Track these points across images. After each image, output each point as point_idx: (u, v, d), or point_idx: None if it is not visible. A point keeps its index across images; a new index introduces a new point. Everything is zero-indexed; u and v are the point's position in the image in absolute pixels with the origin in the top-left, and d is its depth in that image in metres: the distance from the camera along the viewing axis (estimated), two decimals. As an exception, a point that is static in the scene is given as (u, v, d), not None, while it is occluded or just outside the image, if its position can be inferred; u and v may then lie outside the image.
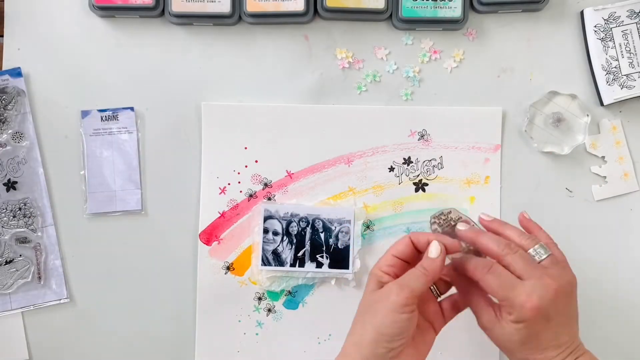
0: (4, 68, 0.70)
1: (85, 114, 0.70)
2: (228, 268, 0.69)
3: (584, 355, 0.53)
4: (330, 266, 0.68)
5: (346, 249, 0.68)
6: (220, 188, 0.69)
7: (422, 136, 0.70)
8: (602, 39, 0.68)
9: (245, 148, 0.70)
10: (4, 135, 0.69)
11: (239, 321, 0.69)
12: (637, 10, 0.68)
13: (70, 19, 0.70)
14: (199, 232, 0.69)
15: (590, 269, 0.70)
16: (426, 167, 0.69)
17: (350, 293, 0.69)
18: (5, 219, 0.69)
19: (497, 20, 0.71)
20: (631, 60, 0.68)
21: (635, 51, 0.68)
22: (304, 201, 0.69)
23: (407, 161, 0.69)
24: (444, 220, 0.59)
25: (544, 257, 0.53)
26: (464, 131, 0.69)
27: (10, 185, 0.69)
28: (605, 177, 0.70)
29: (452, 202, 0.69)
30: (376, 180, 0.70)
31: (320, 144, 0.69)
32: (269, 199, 0.69)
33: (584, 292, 0.70)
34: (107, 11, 0.69)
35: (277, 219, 0.68)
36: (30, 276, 0.69)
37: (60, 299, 0.69)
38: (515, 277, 0.51)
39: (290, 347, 0.69)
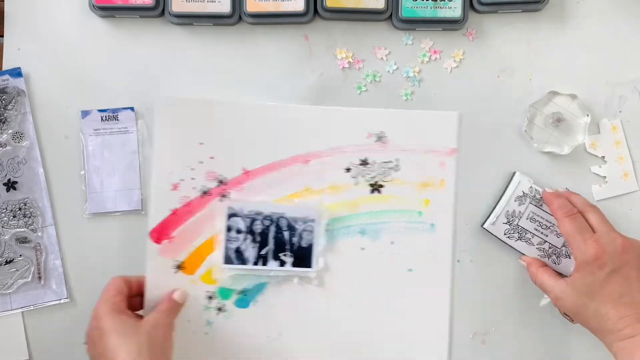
0: (4, 68, 0.70)
1: (85, 114, 0.70)
2: (179, 267, 0.68)
3: None
4: (294, 265, 0.68)
5: (309, 247, 0.68)
6: (172, 184, 0.68)
7: (380, 138, 0.69)
8: None
9: (200, 144, 0.69)
10: (4, 135, 0.69)
11: (188, 321, 0.68)
12: None
13: (70, 19, 0.70)
14: (149, 230, 0.67)
15: (590, 269, 0.70)
16: (382, 169, 0.69)
17: (311, 291, 0.68)
18: (5, 219, 0.69)
19: (497, 20, 0.71)
20: None
21: None
22: (261, 200, 0.69)
23: (364, 162, 0.69)
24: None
25: None
26: (420, 134, 0.69)
27: (10, 185, 0.69)
28: (605, 177, 0.70)
29: (407, 204, 0.69)
30: (332, 180, 0.69)
31: (278, 142, 0.68)
32: (224, 196, 0.69)
33: (584, 292, 0.71)
34: (107, 11, 0.69)
35: (241, 217, 0.68)
36: (30, 276, 0.69)
37: (60, 299, 0.70)
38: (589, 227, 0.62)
39: (239, 345, 0.69)
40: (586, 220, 0.62)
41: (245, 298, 0.68)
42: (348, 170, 0.69)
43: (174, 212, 0.67)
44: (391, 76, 0.70)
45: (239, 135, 0.68)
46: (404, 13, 0.68)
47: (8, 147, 0.69)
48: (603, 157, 0.70)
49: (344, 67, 0.70)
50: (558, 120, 0.69)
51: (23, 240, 0.69)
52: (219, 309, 0.68)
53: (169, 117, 0.67)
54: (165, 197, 0.67)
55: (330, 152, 0.68)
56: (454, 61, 0.71)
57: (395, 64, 0.70)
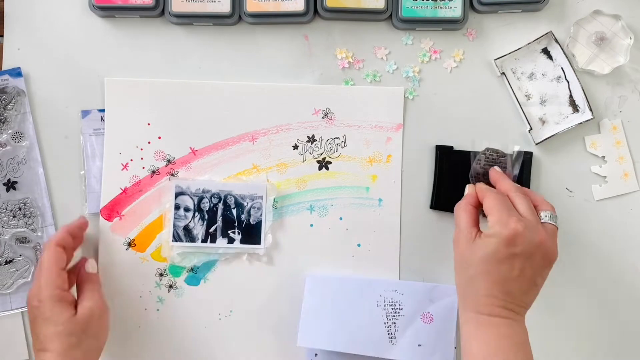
0: (4, 68, 0.70)
1: (85, 114, 0.70)
2: (129, 244, 0.69)
3: (518, 321, 0.58)
4: (242, 242, 0.68)
5: (258, 224, 0.68)
6: (122, 164, 0.69)
7: (326, 114, 0.70)
8: None
9: (149, 124, 0.69)
10: (4, 135, 0.69)
11: (140, 297, 0.69)
12: None
13: (70, 19, 0.70)
14: (100, 208, 0.69)
15: (589, 269, 0.70)
16: (330, 146, 0.70)
17: (260, 268, 0.69)
18: (5, 219, 0.69)
19: (497, 20, 0.71)
20: None
21: None
22: (208, 178, 0.69)
23: (311, 139, 0.70)
24: (489, 155, 0.68)
25: (548, 220, 0.60)
26: (366, 110, 0.70)
27: (10, 185, 0.69)
28: (605, 177, 0.70)
29: (355, 180, 0.70)
30: (280, 158, 0.70)
31: (224, 121, 0.69)
32: (172, 175, 0.69)
33: (583, 292, 0.71)
34: (107, 11, 0.69)
35: (188, 195, 0.68)
36: (30, 276, 0.69)
37: (60, 299, 0.69)
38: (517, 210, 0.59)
39: (190, 322, 0.69)
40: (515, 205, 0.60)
41: (195, 276, 0.70)
42: (295, 147, 0.70)
43: (124, 191, 0.69)
44: (391, 76, 0.70)
45: (186, 115, 0.70)
46: (404, 13, 0.68)
47: (8, 147, 0.69)
48: (603, 157, 0.70)
49: (344, 67, 0.70)
50: (601, 39, 0.68)
51: (23, 240, 0.69)
52: (170, 286, 0.70)
53: (118, 99, 0.69)
54: (115, 176, 0.69)
55: (277, 129, 0.69)
56: (454, 61, 0.71)
57: (395, 64, 0.70)
